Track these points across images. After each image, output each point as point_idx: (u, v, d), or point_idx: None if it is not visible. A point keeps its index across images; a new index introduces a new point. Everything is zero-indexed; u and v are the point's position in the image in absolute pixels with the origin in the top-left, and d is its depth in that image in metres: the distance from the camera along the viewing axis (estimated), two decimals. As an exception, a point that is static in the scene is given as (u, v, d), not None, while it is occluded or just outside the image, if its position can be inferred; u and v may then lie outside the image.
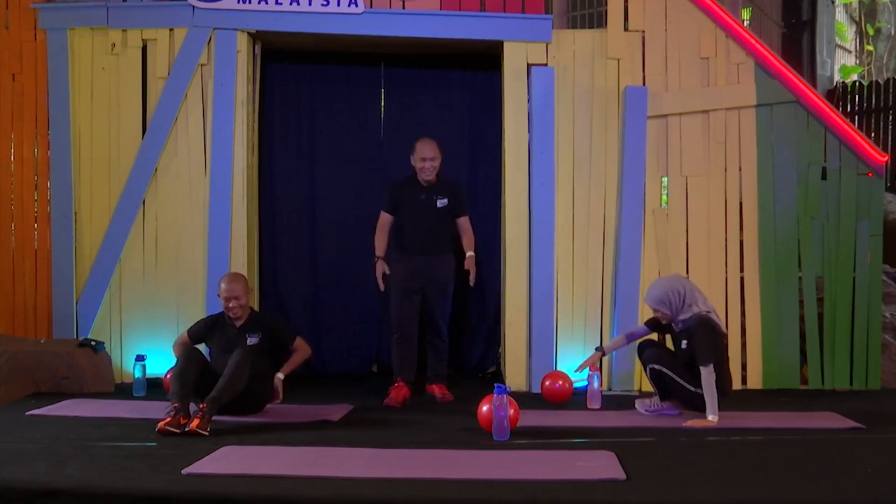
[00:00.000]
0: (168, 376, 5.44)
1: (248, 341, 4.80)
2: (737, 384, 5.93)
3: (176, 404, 4.31)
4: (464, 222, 5.61)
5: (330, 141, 6.61)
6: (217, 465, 3.61)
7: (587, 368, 5.23)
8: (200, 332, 4.99)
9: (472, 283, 5.55)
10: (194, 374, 4.53)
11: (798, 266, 6.04)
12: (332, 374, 6.50)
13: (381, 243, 5.55)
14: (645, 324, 5.21)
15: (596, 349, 5.28)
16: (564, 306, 5.97)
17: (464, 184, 6.12)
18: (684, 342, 4.82)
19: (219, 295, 4.91)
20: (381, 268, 5.50)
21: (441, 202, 5.49)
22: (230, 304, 4.83)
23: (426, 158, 5.43)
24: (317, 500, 3.18)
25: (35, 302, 6.06)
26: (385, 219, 5.58)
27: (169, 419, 4.22)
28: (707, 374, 4.58)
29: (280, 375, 4.85)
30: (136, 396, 5.41)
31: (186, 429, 4.20)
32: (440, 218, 5.51)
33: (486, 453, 3.89)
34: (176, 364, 4.62)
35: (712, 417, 4.57)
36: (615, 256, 5.96)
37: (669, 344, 5.12)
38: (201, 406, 4.35)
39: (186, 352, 4.68)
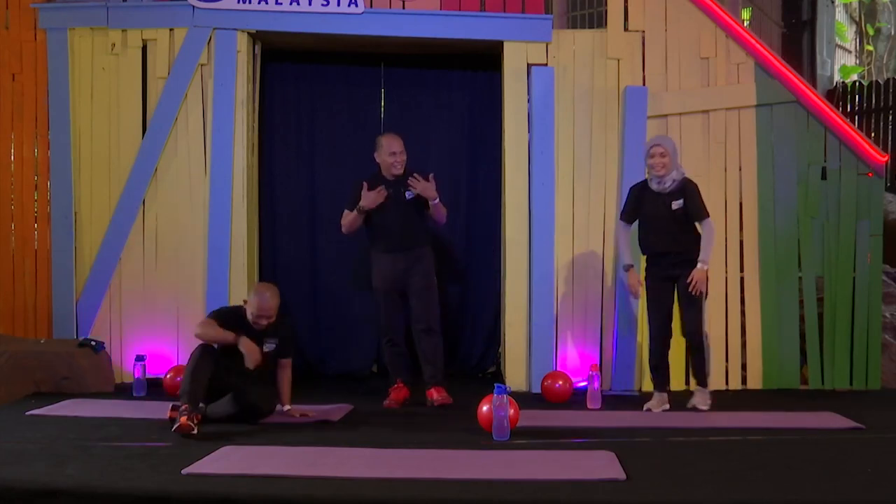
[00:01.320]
0: (168, 376, 5.46)
1: (265, 347, 4.65)
2: (736, 384, 5.96)
3: (186, 405, 4.27)
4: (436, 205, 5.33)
5: (330, 141, 6.61)
6: (217, 465, 3.61)
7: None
8: (223, 322, 4.66)
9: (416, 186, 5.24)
10: (207, 374, 4.45)
11: (798, 266, 6.03)
12: (332, 374, 6.50)
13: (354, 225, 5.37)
14: (621, 220, 5.34)
15: (625, 268, 5.29)
16: (564, 306, 5.97)
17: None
18: (675, 202, 5.04)
19: (244, 302, 4.72)
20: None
21: (409, 193, 5.31)
22: (262, 322, 4.62)
23: (396, 152, 5.29)
24: (317, 500, 3.18)
25: (35, 302, 6.06)
26: (358, 220, 5.37)
27: (185, 420, 4.17)
28: (709, 227, 5.02)
29: (288, 407, 4.77)
30: (136, 396, 5.41)
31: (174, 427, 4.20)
32: (411, 210, 5.33)
33: (486, 453, 3.89)
34: (190, 362, 4.48)
35: (701, 266, 4.95)
36: (615, 256, 5.96)
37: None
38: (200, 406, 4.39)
39: (201, 351, 4.52)
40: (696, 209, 5.05)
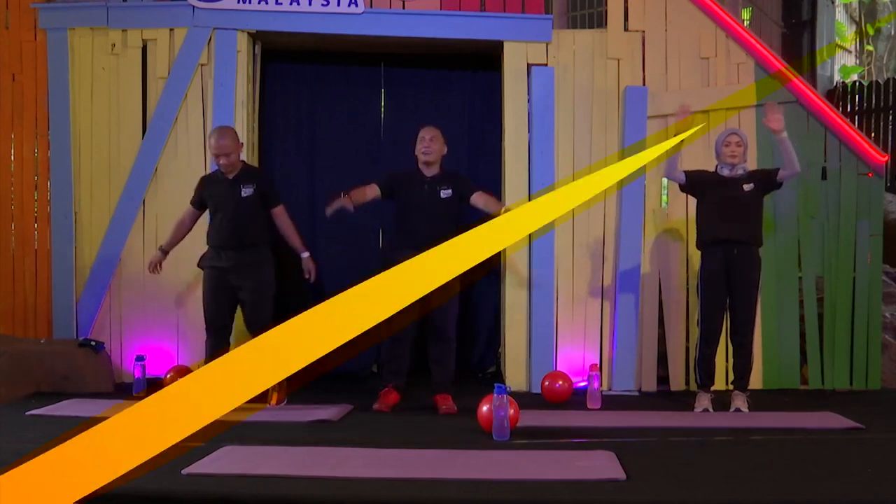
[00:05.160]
0: (169, 376, 5.46)
1: (242, 192, 5.03)
2: (737, 384, 5.96)
3: None
4: (478, 196, 5.14)
5: (330, 141, 6.61)
6: (217, 465, 3.61)
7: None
8: (198, 197, 5.21)
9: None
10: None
11: (798, 266, 6.03)
12: (332, 374, 6.48)
13: (360, 194, 5.12)
14: (685, 172, 5.27)
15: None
16: (564, 306, 5.97)
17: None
18: (747, 185, 5.12)
19: (209, 148, 5.20)
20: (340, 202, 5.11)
21: (445, 192, 5.15)
22: (220, 161, 5.00)
23: (424, 137, 5.12)
24: (317, 500, 3.17)
25: (35, 302, 6.06)
26: (373, 191, 5.18)
27: None
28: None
29: (307, 254, 5.26)
30: (136, 396, 5.41)
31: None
32: (444, 209, 5.15)
33: (486, 453, 3.89)
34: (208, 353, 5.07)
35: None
36: (615, 256, 5.96)
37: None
38: None
39: (212, 338, 5.11)
40: (769, 170, 5.27)
